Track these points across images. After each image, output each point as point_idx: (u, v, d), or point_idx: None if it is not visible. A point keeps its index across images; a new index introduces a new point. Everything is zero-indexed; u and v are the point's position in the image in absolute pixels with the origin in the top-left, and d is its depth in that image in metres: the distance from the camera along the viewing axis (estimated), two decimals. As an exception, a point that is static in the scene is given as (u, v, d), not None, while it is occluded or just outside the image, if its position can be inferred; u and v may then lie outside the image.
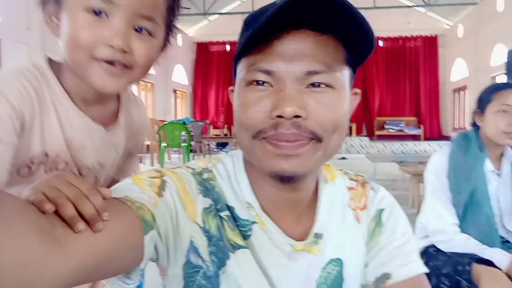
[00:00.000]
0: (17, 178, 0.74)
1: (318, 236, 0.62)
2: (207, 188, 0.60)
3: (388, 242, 0.64)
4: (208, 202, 0.59)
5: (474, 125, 1.55)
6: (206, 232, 0.57)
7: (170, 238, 0.54)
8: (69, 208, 0.42)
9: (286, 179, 0.55)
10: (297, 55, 0.51)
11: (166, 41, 0.78)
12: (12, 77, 0.71)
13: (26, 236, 0.36)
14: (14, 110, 0.68)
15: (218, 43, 13.02)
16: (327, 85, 0.52)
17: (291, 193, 0.60)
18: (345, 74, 0.55)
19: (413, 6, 10.68)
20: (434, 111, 12.66)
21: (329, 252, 0.62)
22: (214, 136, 9.62)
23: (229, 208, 0.60)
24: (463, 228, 1.46)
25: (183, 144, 7.36)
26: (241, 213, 0.60)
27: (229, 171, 0.63)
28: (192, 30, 12.75)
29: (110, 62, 0.67)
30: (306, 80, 0.52)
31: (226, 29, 10.77)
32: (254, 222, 0.59)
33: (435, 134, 12.36)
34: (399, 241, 0.64)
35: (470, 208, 1.45)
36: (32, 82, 0.72)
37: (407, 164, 4.35)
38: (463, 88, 11.31)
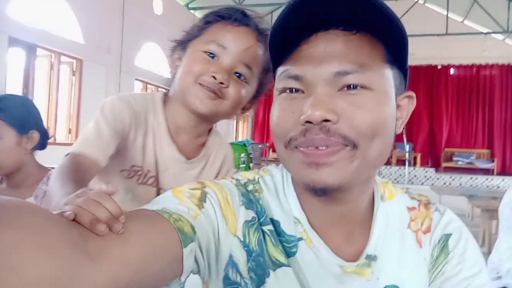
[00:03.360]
0: (118, 177, 0.92)
1: (371, 258, 0.57)
2: (250, 200, 0.58)
3: (455, 272, 0.57)
4: (250, 214, 0.56)
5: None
6: (246, 246, 0.54)
7: (212, 251, 0.52)
8: (86, 214, 0.42)
9: (320, 192, 0.51)
10: (325, 56, 0.49)
11: (258, 92, 0.95)
12: (118, 100, 0.90)
13: (60, 249, 0.35)
14: (114, 121, 0.87)
15: None
16: (363, 87, 0.49)
17: (337, 206, 0.56)
18: (385, 74, 0.51)
19: (489, 32, 10.12)
20: (509, 144, 11.73)
21: (385, 278, 0.57)
22: (273, 159, 9.64)
23: (274, 222, 0.57)
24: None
25: (242, 166, 7.43)
26: (287, 228, 0.57)
27: (277, 183, 0.60)
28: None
29: (209, 89, 0.85)
30: (337, 82, 0.49)
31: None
32: (300, 239, 0.56)
33: (509, 169, 11.41)
34: (469, 272, 0.57)
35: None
36: (135, 107, 0.90)
37: (478, 199, 4.04)
38: (545, 121, 10.41)
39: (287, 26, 0.49)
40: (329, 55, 0.49)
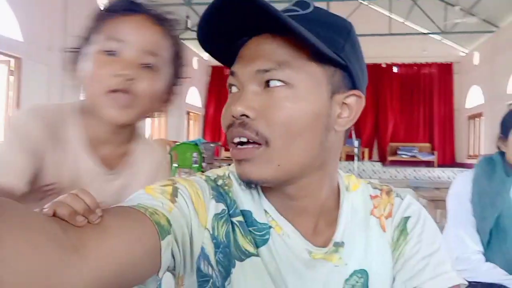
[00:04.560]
0: (32, 198, 0.79)
1: (339, 244, 0.60)
2: (220, 193, 0.60)
3: (414, 252, 0.61)
4: (220, 207, 0.58)
5: (499, 149, 1.50)
6: (214, 239, 0.56)
7: (187, 244, 0.54)
8: (65, 207, 0.43)
9: (251, 184, 0.57)
10: (252, 56, 0.54)
11: (174, 78, 0.88)
12: (28, 116, 0.81)
13: (44, 242, 0.35)
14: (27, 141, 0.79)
15: None
16: (283, 83, 0.52)
17: (294, 201, 0.59)
18: (309, 72, 0.53)
19: (429, 33, 10.71)
20: (448, 137, 12.51)
21: (353, 263, 0.60)
22: (226, 158, 9.62)
23: (245, 213, 0.59)
24: (488, 257, 1.40)
25: (194, 165, 7.35)
26: (259, 217, 0.59)
27: None
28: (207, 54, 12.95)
29: (120, 93, 0.78)
30: (260, 79, 0.53)
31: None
32: (271, 227, 0.59)
33: (448, 160, 12.17)
34: (427, 251, 0.60)
35: (496, 235, 1.39)
36: (48, 121, 0.82)
37: (422, 190, 4.27)
38: (479, 115, 11.18)
39: (219, 33, 0.55)
40: (255, 55, 0.54)
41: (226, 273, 0.56)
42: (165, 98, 0.89)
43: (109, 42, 0.79)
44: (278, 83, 0.52)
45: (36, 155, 0.78)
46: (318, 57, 0.53)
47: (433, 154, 12.06)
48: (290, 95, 0.52)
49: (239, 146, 0.54)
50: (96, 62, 0.79)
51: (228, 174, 0.63)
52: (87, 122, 0.85)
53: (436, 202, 3.30)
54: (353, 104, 0.57)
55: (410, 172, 10.32)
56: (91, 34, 0.82)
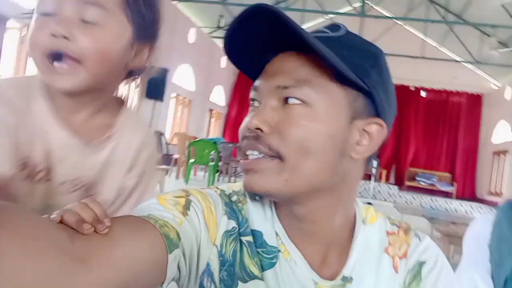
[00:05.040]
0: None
1: (347, 279, 0.58)
2: (233, 210, 0.59)
3: None
4: (231, 224, 0.57)
5: (525, 194, 1.42)
6: (221, 256, 0.55)
7: (194, 258, 0.54)
8: (72, 214, 0.43)
9: (254, 196, 0.58)
10: (274, 73, 0.54)
11: (139, 30, 0.73)
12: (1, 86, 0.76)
13: (48, 252, 0.35)
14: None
15: None
16: (302, 101, 0.52)
17: (303, 223, 0.58)
18: (329, 92, 0.52)
19: (462, 61, 10.51)
20: (470, 170, 12.22)
21: None
22: (242, 161, 9.61)
23: (255, 233, 0.59)
24: (500, 306, 1.32)
25: (210, 163, 7.37)
26: (269, 239, 0.58)
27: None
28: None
29: (59, 58, 0.67)
30: (279, 95, 0.53)
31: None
32: (279, 251, 0.58)
33: (468, 194, 11.87)
34: None
35: (511, 285, 1.31)
36: (19, 91, 0.74)
37: (438, 222, 4.14)
38: (504, 152, 10.89)
39: (246, 46, 0.55)
40: (277, 72, 0.54)
41: None
42: (130, 58, 0.75)
43: (42, 1, 0.68)
44: (296, 101, 0.52)
45: (11, 134, 0.72)
46: (340, 79, 0.52)
47: (452, 185, 11.80)
48: (306, 114, 0.52)
49: (250, 157, 0.54)
50: (33, 26, 0.68)
51: (244, 191, 0.62)
52: (52, 92, 0.75)
53: (450, 238, 3.19)
54: (374, 133, 0.55)
55: (427, 200, 10.11)
56: None
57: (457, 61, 10.57)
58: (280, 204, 0.58)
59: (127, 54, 0.74)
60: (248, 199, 0.61)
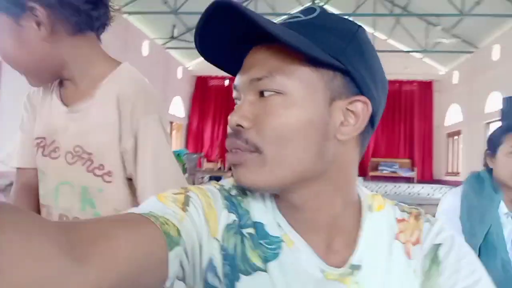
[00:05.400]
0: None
1: (355, 267, 0.56)
2: (233, 203, 0.59)
3: (450, 284, 0.54)
4: (232, 218, 0.57)
5: (487, 166, 1.52)
6: (223, 250, 0.55)
7: (196, 254, 0.53)
8: None
9: (247, 189, 0.57)
10: (248, 66, 0.54)
11: (55, 9, 0.77)
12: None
13: (46, 253, 0.34)
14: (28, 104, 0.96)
15: (217, 77, 13.16)
16: (276, 92, 0.51)
17: (302, 213, 0.57)
18: (302, 77, 0.51)
19: (411, 51, 10.97)
20: (427, 154, 12.73)
21: None
22: (208, 169, 9.56)
23: (257, 225, 0.57)
24: (477, 273, 1.39)
25: (177, 175, 7.25)
26: (271, 229, 0.57)
27: None
28: (192, 63, 12.93)
29: None
30: (255, 89, 0.53)
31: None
32: (282, 241, 0.57)
33: (427, 177, 12.37)
34: (466, 282, 0.54)
35: (485, 252, 1.39)
36: (38, 93, 0.95)
37: (405, 206, 4.29)
38: (457, 133, 11.44)
39: (217, 41, 0.55)
40: (250, 65, 0.54)
41: (231, 286, 0.54)
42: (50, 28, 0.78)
43: None
44: (271, 92, 0.52)
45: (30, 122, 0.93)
46: (313, 62, 0.51)
47: (413, 170, 12.26)
48: (282, 102, 0.51)
49: (233, 151, 0.54)
50: None
51: None
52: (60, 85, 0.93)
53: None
54: (359, 111, 0.53)
55: (390, 187, 10.46)
56: None
57: (406, 51, 11.01)
58: (278, 195, 0.58)
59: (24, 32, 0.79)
60: (247, 192, 0.60)
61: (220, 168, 9.99)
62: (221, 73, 12.75)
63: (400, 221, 0.60)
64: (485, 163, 1.53)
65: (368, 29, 10.70)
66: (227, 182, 0.63)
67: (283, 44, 0.49)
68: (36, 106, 0.92)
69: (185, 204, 0.53)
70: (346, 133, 0.54)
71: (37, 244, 0.34)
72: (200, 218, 0.54)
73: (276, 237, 0.57)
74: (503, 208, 1.44)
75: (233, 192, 0.61)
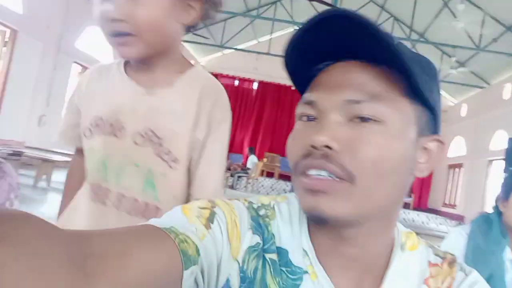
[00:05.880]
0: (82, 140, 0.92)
1: None
2: (259, 224, 0.55)
3: None
4: (255, 240, 0.54)
5: (497, 208, 1.50)
6: (242, 272, 0.52)
7: (213, 273, 0.50)
8: None
9: (320, 221, 0.49)
10: (339, 84, 0.49)
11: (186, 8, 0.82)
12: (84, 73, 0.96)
13: (55, 269, 0.32)
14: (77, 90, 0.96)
15: (228, 76, 13.19)
16: (374, 119, 0.47)
17: (346, 247, 0.52)
18: (401, 109, 0.48)
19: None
20: (426, 182, 12.75)
21: None
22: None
23: (280, 251, 0.54)
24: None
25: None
26: (296, 258, 0.54)
27: (293, 212, 0.57)
28: (205, 59, 12.96)
29: (121, 35, 0.77)
30: (348, 111, 0.48)
31: (238, 65, 10.95)
32: (306, 272, 0.53)
33: (423, 205, 12.37)
34: None
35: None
36: (99, 70, 0.93)
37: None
38: (459, 166, 11.45)
39: (303, 54, 0.51)
40: (343, 84, 0.49)
41: None
42: (184, 18, 0.83)
43: None
44: (369, 118, 0.47)
45: (79, 105, 0.93)
46: (411, 93, 0.48)
47: (410, 196, 12.24)
48: (380, 132, 0.47)
49: (316, 176, 0.48)
50: (95, 6, 0.78)
51: (273, 205, 0.58)
52: (126, 63, 0.91)
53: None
54: (434, 150, 0.51)
55: (384, 210, 10.41)
56: None
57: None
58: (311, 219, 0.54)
59: (178, 16, 0.82)
60: (276, 214, 0.57)
61: (229, 168, 9.97)
62: (232, 72, 12.82)
63: (432, 265, 0.57)
64: (495, 206, 1.51)
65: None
66: (257, 199, 0.60)
67: (384, 67, 0.47)
68: (94, 86, 0.91)
69: (209, 221, 0.51)
70: (421, 170, 0.51)
71: (45, 259, 0.33)
72: (223, 237, 0.51)
73: (299, 267, 0.53)
74: (508, 253, 1.42)
75: (262, 212, 0.57)
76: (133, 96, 0.85)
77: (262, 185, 10.89)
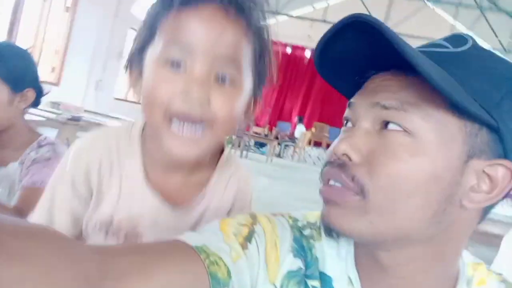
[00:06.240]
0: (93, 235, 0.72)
1: None
2: (302, 247, 0.52)
3: None
4: (297, 264, 0.50)
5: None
6: None
7: None
8: None
9: (329, 232, 0.46)
10: (374, 89, 0.46)
11: (257, 87, 0.67)
12: (89, 146, 0.69)
13: (66, 285, 0.32)
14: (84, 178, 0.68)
15: (281, 44, 12.85)
16: (404, 129, 0.42)
17: (384, 274, 0.48)
18: (442, 122, 0.42)
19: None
20: None
21: None
22: (255, 135, 9.60)
23: (324, 278, 0.50)
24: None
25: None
26: (340, 286, 0.50)
27: None
28: (258, 25, 12.75)
29: (188, 120, 0.58)
30: (377, 116, 0.45)
31: (291, 32, 10.66)
32: None
33: None
34: None
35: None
36: (109, 149, 0.68)
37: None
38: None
39: (342, 61, 0.48)
40: (377, 89, 0.46)
41: None
42: (244, 116, 0.67)
43: (171, 49, 0.58)
44: (398, 127, 0.43)
45: (88, 196, 0.68)
46: (457, 107, 0.41)
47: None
48: (408, 145, 0.42)
49: (330, 184, 0.46)
50: (154, 76, 0.59)
51: (320, 225, 0.54)
52: (149, 148, 0.68)
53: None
54: (499, 178, 0.43)
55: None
56: (148, 32, 0.62)
57: (485, 49, 10.21)
58: (362, 244, 0.50)
59: (244, 113, 0.66)
60: (323, 235, 0.53)
61: (266, 135, 10.00)
62: (285, 39, 12.55)
63: None
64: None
65: (448, 19, 10.04)
66: (303, 216, 0.55)
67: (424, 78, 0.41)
68: (100, 184, 0.68)
69: (246, 240, 0.48)
70: (476, 200, 0.44)
71: (59, 277, 0.32)
72: (260, 260, 0.48)
73: None
74: None
75: (306, 232, 0.53)
76: (158, 212, 0.67)
77: (309, 155, 10.83)
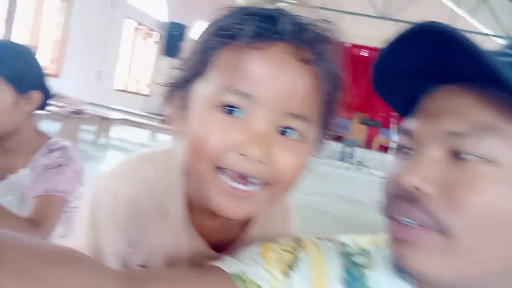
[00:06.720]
0: None
1: None
2: (353, 276, 0.47)
3: None
4: None
5: None
6: None
7: None
8: None
9: (405, 276, 0.42)
10: (439, 111, 0.41)
11: (324, 134, 0.56)
12: (119, 186, 0.57)
13: None
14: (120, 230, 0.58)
15: (359, 46, 12.05)
16: (485, 159, 0.38)
17: None
18: None
19: (491, 35, 10.13)
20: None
21: None
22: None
23: None
24: None
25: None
26: None
27: None
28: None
29: (241, 177, 0.48)
30: (449, 145, 0.39)
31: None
32: None
33: None
34: None
35: None
36: (152, 184, 0.58)
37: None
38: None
39: (397, 70, 0.44)
40: (443, 111, 0.41)
41: None
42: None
43: (228, 94, 0.47)
44: (476, 156, 0.38)
45: (129, 238, 0.58)
46: None
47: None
48: (491, 175, 0.37)
49: (403, 221, 0.41)
50: (208, 121, 0.48)
51: (373, 252, 0.49)
52: (190, 187, 0.58)
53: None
54: None
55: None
56: (200, 66, 0.51)
57: (487, 34, 10.16)
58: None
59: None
60: (376, 263, 0.48)
61: None
62: (358, 40, 12.36)
63: None
64: None
65: (448, 3, 9.95)
66: (352, 241, 0.50)
67: (498, 93, 0.37)
68: (144, 225, 0.59)
69: (289, 267, 0.46)
70: None
71: None
72: None
73: None
74: None
75: (359, 260, 0.48)
76: (199, 259, 0.59)
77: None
